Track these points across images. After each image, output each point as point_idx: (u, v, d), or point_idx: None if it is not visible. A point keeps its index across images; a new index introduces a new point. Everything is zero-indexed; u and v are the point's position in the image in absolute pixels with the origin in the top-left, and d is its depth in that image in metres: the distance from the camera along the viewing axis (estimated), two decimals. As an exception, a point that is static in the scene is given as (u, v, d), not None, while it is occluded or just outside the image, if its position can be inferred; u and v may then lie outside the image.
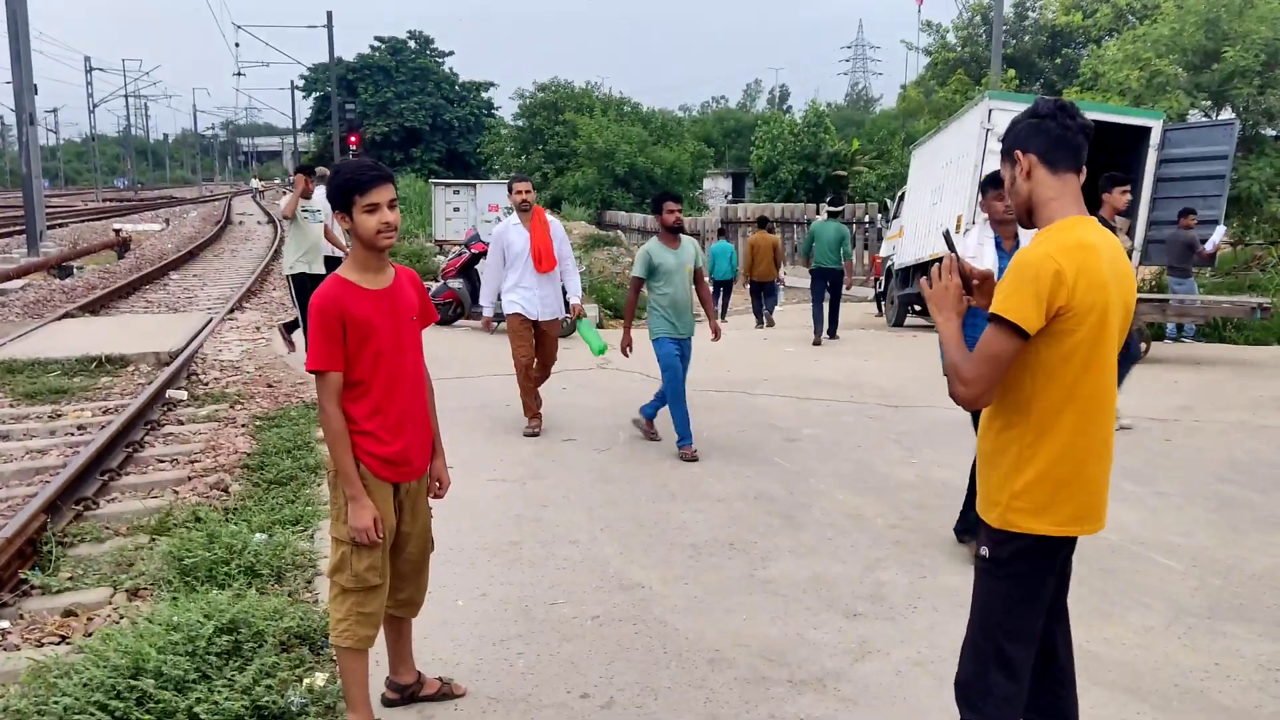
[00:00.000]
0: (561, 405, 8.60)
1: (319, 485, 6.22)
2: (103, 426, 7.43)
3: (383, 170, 3.14)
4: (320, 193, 9.94)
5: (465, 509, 5.78)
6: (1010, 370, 2.31)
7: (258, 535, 5.26)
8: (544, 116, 48.16)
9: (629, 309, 7.62)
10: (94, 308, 14.49)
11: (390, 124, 58.78)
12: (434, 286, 14.15)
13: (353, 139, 38.06)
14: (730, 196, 49.12)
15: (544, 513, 5.79)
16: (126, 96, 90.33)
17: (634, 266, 7.48)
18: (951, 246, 2.69)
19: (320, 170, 17.53)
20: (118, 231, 26.58)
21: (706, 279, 8.43)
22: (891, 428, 7.96)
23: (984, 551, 2.43)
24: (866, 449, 7.27)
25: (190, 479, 6.40)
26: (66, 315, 13.24)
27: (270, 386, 9.09)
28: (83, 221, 38.73)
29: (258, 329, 12.29)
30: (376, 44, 62.52)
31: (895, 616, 4.34)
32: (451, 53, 65.19)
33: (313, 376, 3.22)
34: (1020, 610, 2.36)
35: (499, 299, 7.86)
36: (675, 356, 7.19)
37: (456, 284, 12.76)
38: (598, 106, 46.05)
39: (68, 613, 4.45)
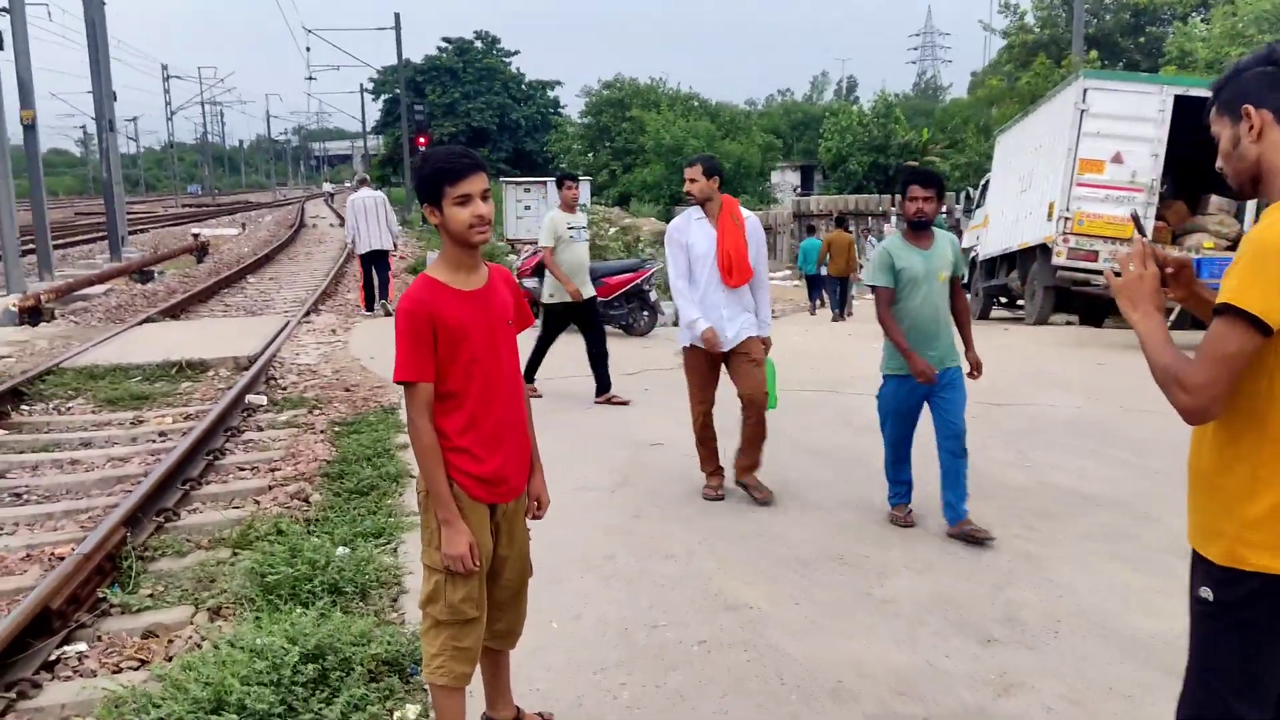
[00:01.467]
0: (646, 407, 8.29)
1: (400, 495, 5.99)
2: (184, 434, 7.31)
3: (475, 158, 2.84)
4: (582, 203, 9.34)
5: (553, 519, 5.47)
6: (1244, 373, 1.91)
7: (341, 549, 5.04)
8: (610, 113, 48.04)
9: (894, 331, 5.17)
10: (174, 312, 14.57)
11: (458, 124, 59.16)
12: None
13: (421, 140, 38.29)
14: (799, 189, 48.47)
15: (636, 524, 5.47)
16: (203, 104, 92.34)
17: (869, 272, 5.47)
18: (1141, 230, 2.30)
19: (360, 175, 17.19)
20: (196, 236, 26.98)
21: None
22: (997, 427, 7.50)
23: (1205, 593, 2.02)
24: (973, 451, 6.80)
25: (271, 488, 6.22)
26: (147, 320, 13.31)
27: (348, 390, 8.92)
28: (163, 227, 39.54)
29: (333, 331, 12.20)
30: (444, 45, 63.00)
31: (1036, 644, 3.94)
32: (517, 52, 65.49)
33: (396, 384, 2.93)
34: (1254, 664, 1.96)
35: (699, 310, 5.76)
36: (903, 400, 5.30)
37: (531, 283, 12.49)
38: (664, 102, 45.71)
39: (148, 634, 4.26)
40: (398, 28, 45.60)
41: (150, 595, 4.64)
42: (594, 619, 4.27)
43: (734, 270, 5.67)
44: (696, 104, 48.87)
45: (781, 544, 5.12)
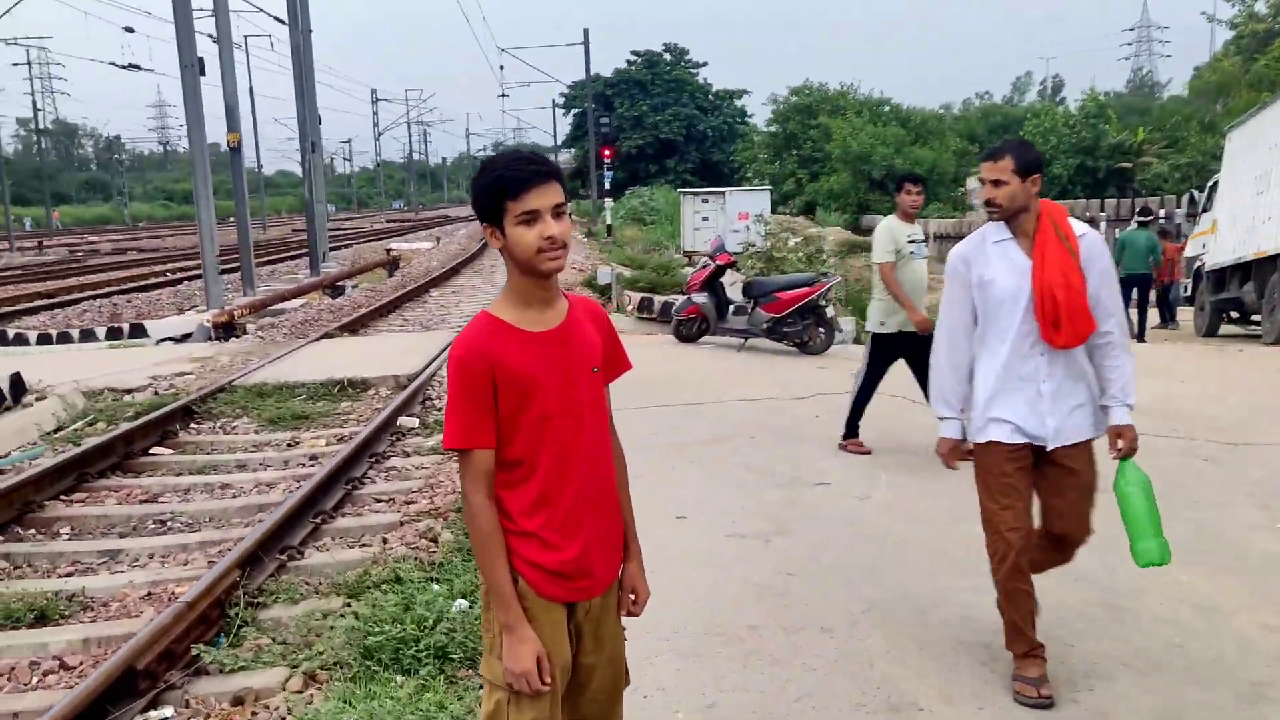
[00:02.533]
0: (813, 437, 7.52)
1: (535, 537, 5.47)
2: (333, 458, 7.08)
3: (544, 164, 2.24)
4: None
5: (695, 574, 4.84)
6: None
7: (459, 602, 4.56)
8: (797, 121, 47.02)
9: None
10: (354, 327, 14.77)
11: (645, 136, 59.47)
12: (678, 301, 13.40)
13: (606, 152, 38.45)
14: (999, 195, 45.87)
15: (790, 584, 4.74)
16: (409, 124, 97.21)
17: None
18: None
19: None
20: (389, 250, 27.81)
21: None
22: (1237, 475, 6.32)
23: None
24: (1206, 505, 5.72)
25: (402, 523, 5.85)
26: (326, 336, 13.50)
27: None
28: (365, 241, 41.33)
29: (498, 349, 11.94)
30: (633, 58, 63.58)
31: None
32: (705, 63, 65.39)
33: (446, 451, 2.33)
34: None
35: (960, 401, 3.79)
36: None
37: (701, 298, 11.92)
38: (852, 108, 44.30)
39: (237, 700, 3.87)
40: (586, 43, 46.19)
41: (255, 650, 4.28)
42: (730, 711, 3.59)
43: (1063, 321, 3.50)
44: (888, 109, 47.18)
45: (968, 622, 4.28)
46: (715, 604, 4.52)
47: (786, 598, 4.58)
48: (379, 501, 6.38)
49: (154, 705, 3.85)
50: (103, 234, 59.70)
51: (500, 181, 2.20)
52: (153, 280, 24.36)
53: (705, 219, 22.45)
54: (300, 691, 3.87)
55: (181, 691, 3.93)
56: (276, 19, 27.44)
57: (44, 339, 14.61)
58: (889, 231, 7.08)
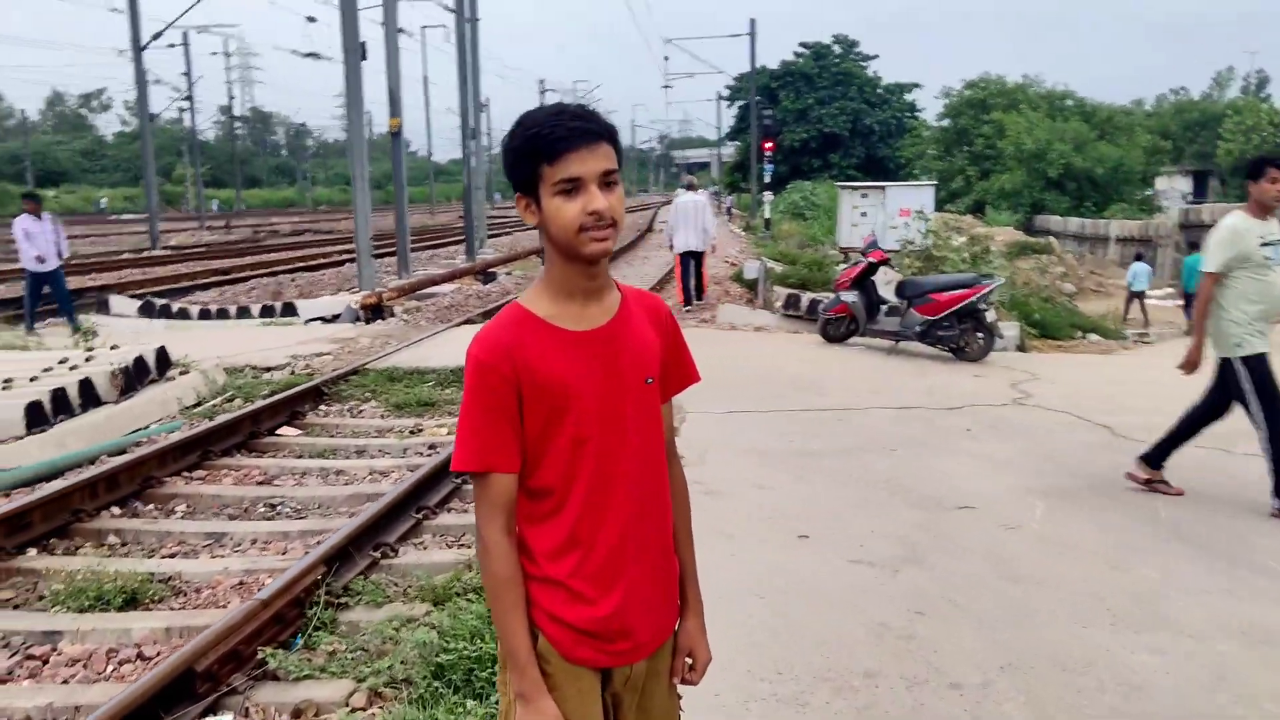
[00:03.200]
0: (962, 454, 6.83)
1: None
2: (448, 448, 6.85)
3: (590, 119, 1.79)
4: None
5: (809, 605, 4.33)
6: None
7: None
8: (970, 116, 45.01)
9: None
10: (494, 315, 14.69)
11: (809, 130, 58.22)
12: (826, 299, 12.74)
13: (767, 145, 37.71)
14: (1190, 197, 42.84)
15: (917, 625, 4.17)
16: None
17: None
18: None
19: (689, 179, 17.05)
20: (542, 239, 27.99)
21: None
22: None
23: None
24: None
25: (506, 524, 5.52)
26: (466, 321, 13.47)
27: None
28: (525, 230, 41.84)
29: (635, 342, 11.59)
30: (801, 50, 62.32)
31: None
32: (876, 55, 63.49)
33: (454, 475, 1.93)
34: None
35: None
36: None
37: (850, 297, 11.25)
38: (1029, 102, 42.04)
39: (296, 713, 3.60)
40: (752, 34, 45.39)
41: (328, 655, 4.02)
42: (828, 778, 3.08)
43: None
44: (1071, 103, 44.61)
45: (1132, 691, 3.63)
46: (829, 643, 4.00)
47: (912, 641, 4.02)
48: (486, 498, 6.09)
49: (214, 710, 3.62)
50: (285, 216, 62.72)
51: (535, 141, 1.77)
52: (319, 261, 25.18)
53: (864, 214, 21.53)
54: (363, 709, 3.57)
55: (243, 697, 3.69)
56: (446, 8, 27.91)
57: (204, 314, 15.15)
58: (1234, 232, 5.51)
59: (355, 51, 15.93)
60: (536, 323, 1.84)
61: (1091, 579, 4.64)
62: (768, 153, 37.85)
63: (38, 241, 13.17)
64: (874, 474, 6.40)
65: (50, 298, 13.76)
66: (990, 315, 10.75)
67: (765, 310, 15.01)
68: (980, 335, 10.57)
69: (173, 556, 5.37)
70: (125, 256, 26.33)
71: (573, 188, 1.77)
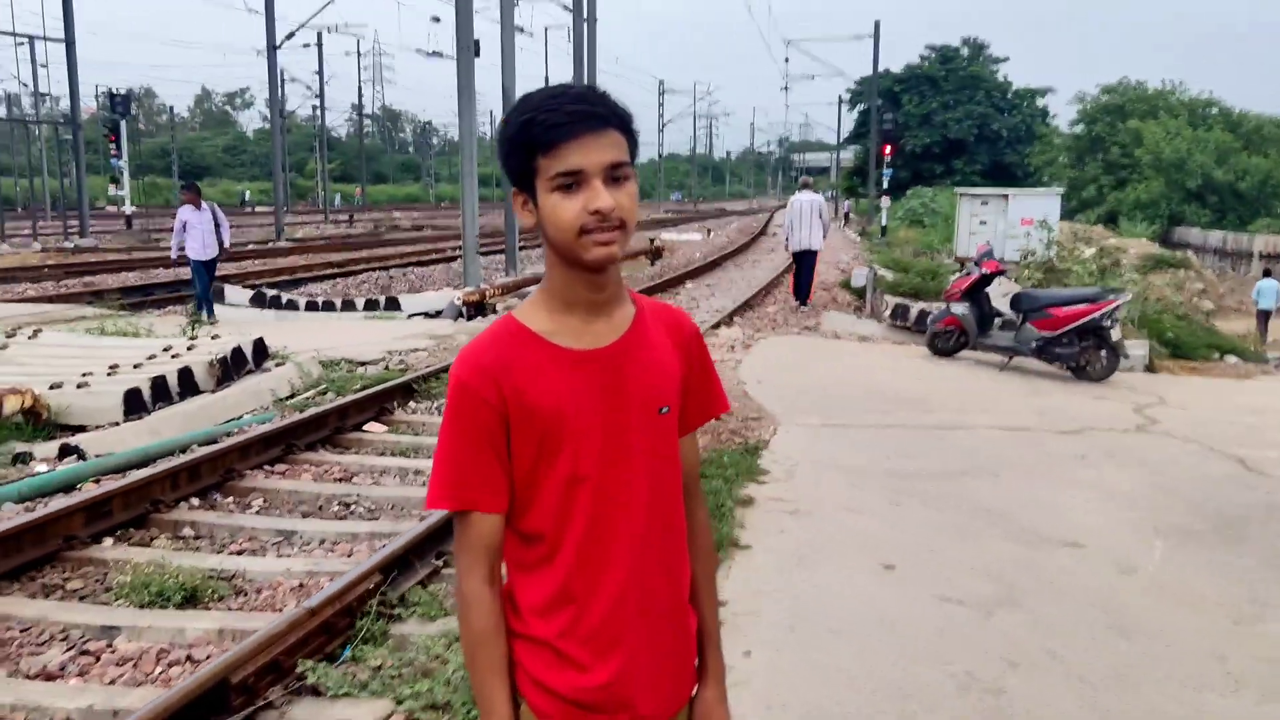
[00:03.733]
0: (1073, 484, 6.33)
1: (712, 572, 4.76)
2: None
3: (596, 103, 1.53)
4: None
5: (886, 645, 3.97)
6: None
7: None
8: (1105, 123, 43.17)
9: None
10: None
11: (932, 135, 56.78)
12: (935, 310, 12.19)
13: (887, 149, 36.83)
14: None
15: (1008, 677, 3.77)
16: (693, 117, 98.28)
17: None
18: None
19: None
20: (651, 240, 27.82)
21: None
22: None
23: None
24: None
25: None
26: (566, 322, 13.31)
27: (717, 419, 7.86)
28: (637, 231, 41.81)
29: (732, 348, 11.26)
30: (927, 53, 60.85)
31: None
32: (1006, 58, 61.50)
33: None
34: None
35: None
36: None
37: (960, 309, 10.69)
38: (1168, 110, 40.01)
39: (329, 732, 3.42)
40: (876, 37, 44.46)
41: (372, 670, 3.84)
42: None
43: None
44: (1216, 111, 42.35)
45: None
46: (904, 692, 3.64)
47: (1001, 697, 3.63)
48: (560, 508, 5.87)
49: (249, 723, 3.48)
50: (407, 211, 64.14)
51: (528, 129, 1.51)
52: (432, 256, 25.52)
53: (983, 223, 20.65)
54: (395, 736, 3.38)
55: (278, 712, 3.54)
56: (564, 7, 27.99)
57: (311, 306, 15.40)
58: None
59: (468, 48, 16.01)
60: (530, 339, 1.58)
61: (1213, 635, 4.16)
62: (887, 157, 37.00)
63: (195, 232, 13.12)
64: (973, 501, 5.96)
65: (183, 285, 14.01)
66: (1115, 333, 10.08)
67: (872, 319, 14.49)
68: (1103, 354, 9.92)
69: (240, 553, 5.30)
70: (250, 248, 27.17)
71: (573, 183, 1.51)
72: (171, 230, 13.98)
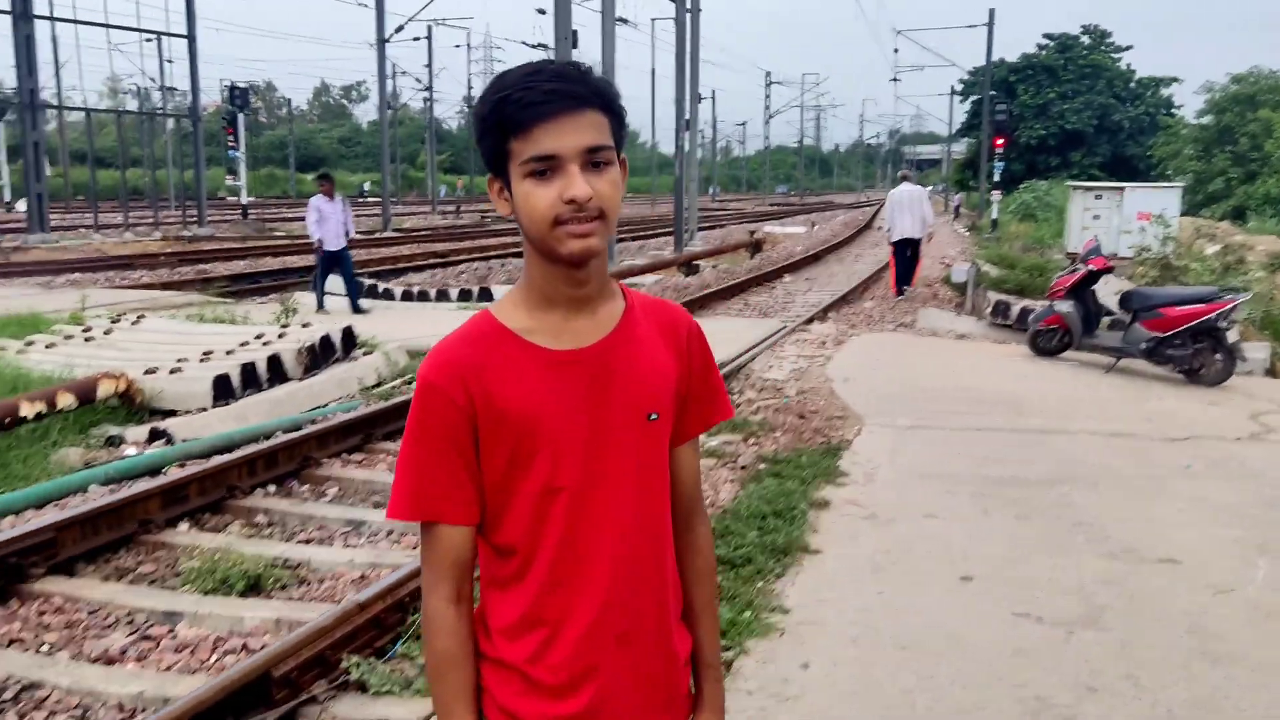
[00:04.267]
0: (1176, 495, 5.94)
1: (776, 577, 4.60)
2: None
3: (574, 80, 1.39)
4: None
5: (954, 665, 3.74)
6: None
7: None
8: (1234, 113, 41.00)
9: None
10: (690, 308, 14.40)
11: (1049, 126, 54.81)
12: (1037, 308, 11.68)
13: (999, 142, 35.67)
14: None
15: (1085, 704, 3.51)
16: (800, 108, 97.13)
17: None
18: None
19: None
20: (752, 233, 27.55)
21: None
22: None
23: None
24: None
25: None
26: (656, 315, 13.20)
27: (802, 418, 7.65)
28: (740, 223, 41.53)
29: (823, 344, 10.99)
30: (1044, 41, 58.78)
31: None
32: (1129, 47, 58.99)
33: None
34: None
35: None
36: None
37: (1065, 307, 10.20)
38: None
39: (369, 730, 3.38)
40: (990, 24, 43.15)
41: (422, 668, 3.79)
42: None
43: None
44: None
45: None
46: (967, 716, 3.42)
47: (1073, 725, 3.38)
48: (628, 505, 5.76)
49: (292, 718, 3.46)
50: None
51: (501, 109, 1.38)
52: (532, 248, 25.67)
53: (1096, 217, 19.75)
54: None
55: (320, 708, 3.51)
56: (668, -1, 27.83)
57: (406, 295, 15.62)
58: None
59: (566, 39, 16.03)
60: (506, 337, 1.46)
61: (1318, 667, 3.81)
62: (999, 150, 35.84)
63: (329, 223, 13.11)
64: (1065, 510, 5.64)
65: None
66: (1233, 334, 9.50)
67: (971, 317, 13.99)
68: (1218, 357, 9.35)
69: (308, 542, 5.34)
70: (356, 238, 27.78)
71: (546, 169, 1.37)
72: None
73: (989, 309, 13.68)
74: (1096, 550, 5.02)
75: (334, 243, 13.30)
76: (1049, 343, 10.53)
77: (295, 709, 3.47)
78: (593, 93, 1.39)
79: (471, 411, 1.42)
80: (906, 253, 15.88)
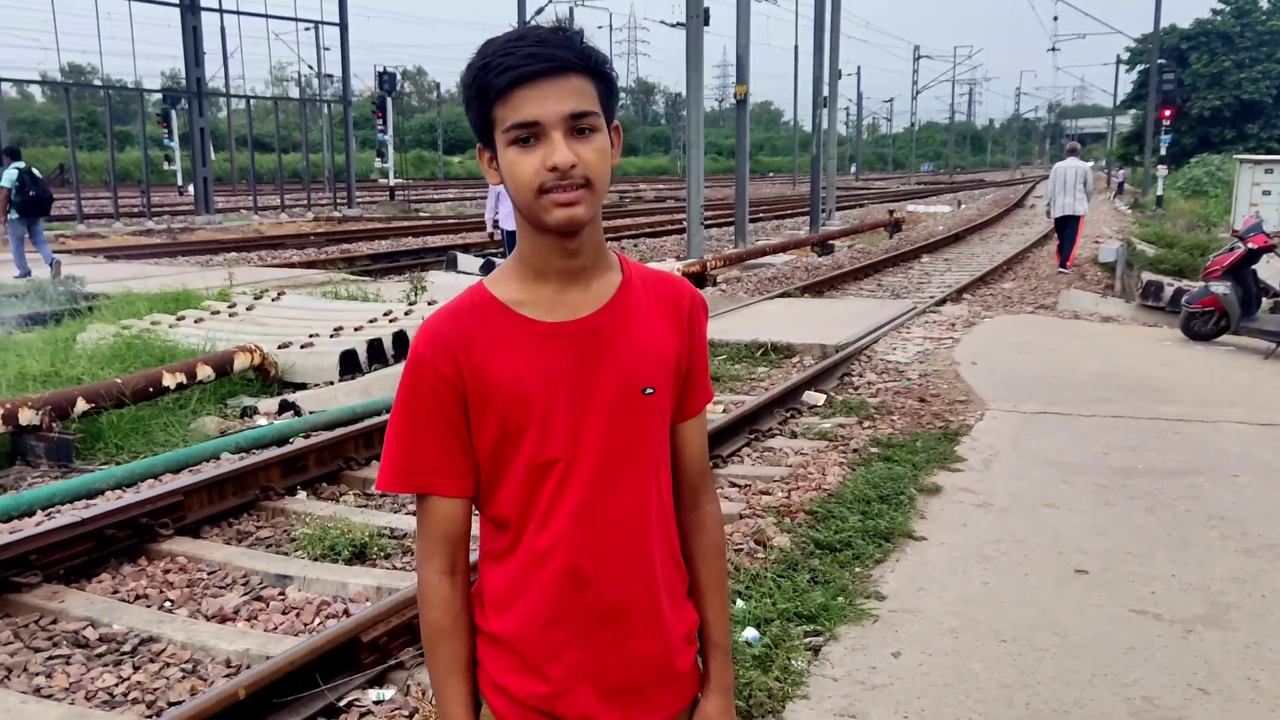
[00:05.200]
0: (1326, 492, 5.50)
1: (876, 563, 4.47)
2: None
3: (553, 45, 1.34)
4: None
5: (1064, 662, 3.56)
6: None
7: (749, 631, 3.79)
8: None
9: None
10: (820, 288, 14.18)
11: (1223, 97, 51.42)
12: (1193, 288, 10.98)
13: (1166, 113, 33.74)
14: None
15: (1194, 707, 3.28)
16: (953, 82, 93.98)
17: None
18: None
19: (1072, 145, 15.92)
20: (890, 212, 26.89)
21: None
22: None
23: None
24: None
25: (741, 516, 5.11)
26: (783, 294, 13.04)
27: (922, 402, 7.41)
28: (882, 202, 40.59)
29: (953, 325, 10.62)
30: (1220, 6, 55.14)
31: None
32: (1317, 8, 54.63)
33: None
34: None
35: None
36: None
37: (1221, 288, 9.55)
38: None
39: None
40: (1157, -13, 40.73)
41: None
42: None
43: None
44: None
45: None
46: (1066, 715, 3.24)
47: (1181, 732, 3.16)
48: (732, 486, 5.70)
49: (379, 682, 3.56)
50: (651, 182, 65.19)
51: (484, 75, 1.35)
52: (667, 227, 25.75)
53: (1266, 192, 18.40)
54: None
55: (407, 673, 3.60)
56: (808, -27, 27.30)
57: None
58: None
59: (697, 16, 15.91)
60: (497, 309, 1.43)
61: None
62: (1166, 122, 33.90)
63: (510, 203, 13.27)
64: (1199, 503, 5.29)
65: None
66: None
67: (1120, 299, 13.29)
68: None
69: (414, 513, 5.46)
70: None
71: (529, 135, 1.34)
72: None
73: (1139, 290, 12.96)
74: (1230, 546, 4.68)
75: (511, 223, 12.33)
76: (1203, 326, 9.90)
77: (383, 674, 3.56)
78: (576, 56, 1.34)
79: (460, 384, 1.40)
80: (1066, 230, 15.98)
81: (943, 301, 12.42)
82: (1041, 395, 7.57)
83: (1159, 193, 32.29)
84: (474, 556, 1.50)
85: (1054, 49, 51.98)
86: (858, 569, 4.41)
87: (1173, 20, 53.24)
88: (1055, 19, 60.50)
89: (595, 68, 1.36)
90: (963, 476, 5.69)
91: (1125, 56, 58.55)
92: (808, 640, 3.79)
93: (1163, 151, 33.87)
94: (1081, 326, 11.15)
